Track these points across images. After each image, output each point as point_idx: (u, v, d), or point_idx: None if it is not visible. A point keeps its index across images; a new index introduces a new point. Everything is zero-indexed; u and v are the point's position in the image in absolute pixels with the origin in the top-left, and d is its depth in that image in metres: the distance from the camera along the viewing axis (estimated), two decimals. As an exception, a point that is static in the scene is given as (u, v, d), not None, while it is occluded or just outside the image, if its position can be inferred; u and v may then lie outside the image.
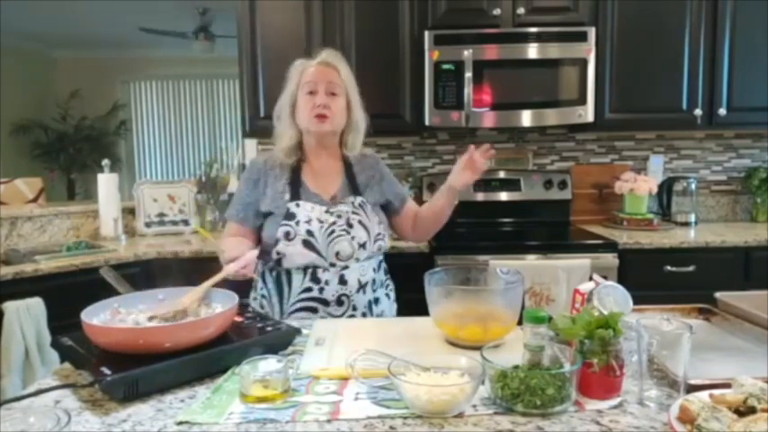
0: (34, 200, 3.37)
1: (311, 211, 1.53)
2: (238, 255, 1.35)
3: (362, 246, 1.54)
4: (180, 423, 0.86)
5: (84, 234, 2.72)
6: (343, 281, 1.52)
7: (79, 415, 0.89)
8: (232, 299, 1.14)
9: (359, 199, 1.59)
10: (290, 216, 1.52)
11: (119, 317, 1.12)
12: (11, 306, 1.97)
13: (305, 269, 1.52)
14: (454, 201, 1.63)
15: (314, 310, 1.52)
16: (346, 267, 1.53)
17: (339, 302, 1.53)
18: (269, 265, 1.58)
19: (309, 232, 1.50)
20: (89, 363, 0.99)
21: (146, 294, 1.21)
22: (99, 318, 1.09)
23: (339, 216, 1.54)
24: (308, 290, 1.52)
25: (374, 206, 1.62)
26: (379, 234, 1.58)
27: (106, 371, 0.92)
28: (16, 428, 0.79)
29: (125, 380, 0.92)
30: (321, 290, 1.52)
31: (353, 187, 1.62)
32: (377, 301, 1.60)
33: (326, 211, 1.54)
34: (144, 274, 2.35)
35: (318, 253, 1.50)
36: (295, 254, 1.50)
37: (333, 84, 1.56)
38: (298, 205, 1.54)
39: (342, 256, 1.52)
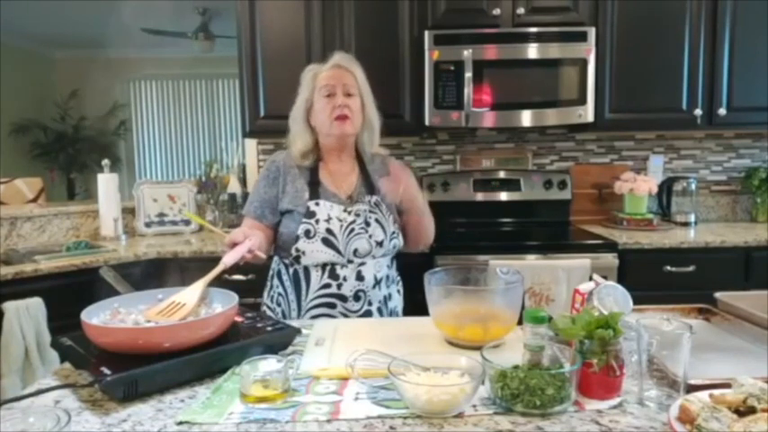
0: (34, 200, 3.38)
1: (330, 210, 1.57)
2: (238, 238, 1.37)
3: (380, 244, 1.58)
4: (180, 423, 0.86)
5: (84, 234, 2.72)
6: (360, 277, 1.57)
7: (79, 415, 0.89)
8: (232, 299, 1.14)
9: (375, 198, 1.63)
10: (310, 214, 1.56)
11: (119, 317, 1.12)
12: (11, 306, 1.97)
13: (323, 266, 1.56)
14: (413, 211, 1.63)
15: (332, 306, 1.56)
16: (363, 264, 1.57)
17: (356, 298, 1.57)
18: (287, 262, 1.61)
19: (329, 231, 1.55)
20: (89, 363, 0.98)
21: (146, 294, 1.21)
22: (99, 318, 1.09)
23: (357, 215, 1.58)
24: (327, 286, 1.56)
25: (389, 205, 1.65)
26: (394, 233, 1.62)
27: (106, 371, 0.92)
28: (16, 428, 0.79)
29: (125, 380, 0.92)
30: (339, 286, 1.56)
31: (369, 186, 1.65)
32: (390, 297, 1.65)
33: (345, 210, 1.58)
34: (144, 274, 2.35)
35: (337, 250, 1.54)
36: (315, 251, 1.54)
37: (349, 85, 1.60)
38: (317, 204, 1.58)
39: (360, 253, 1.56)
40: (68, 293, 2.05)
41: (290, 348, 1.16)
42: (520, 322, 1.12)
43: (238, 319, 1.18)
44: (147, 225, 2.87)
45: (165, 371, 0.96)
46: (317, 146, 1.67)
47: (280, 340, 1.15)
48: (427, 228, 1.71)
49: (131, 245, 2.61)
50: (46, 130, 6.52)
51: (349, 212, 1.58)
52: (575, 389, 0.89)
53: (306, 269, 1.58)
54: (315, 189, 1.61)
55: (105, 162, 2.86)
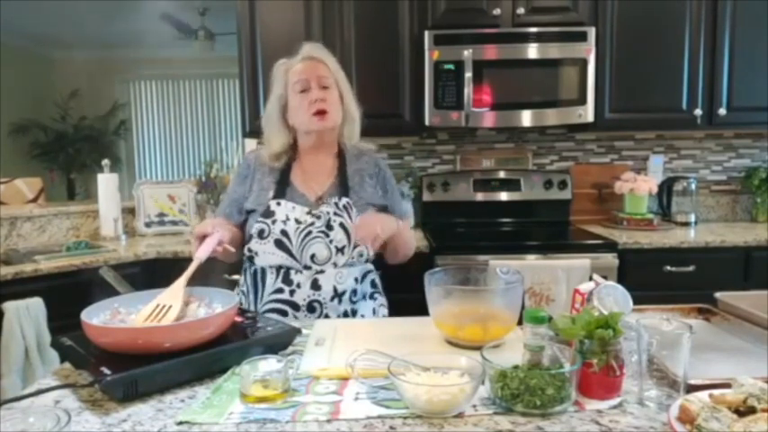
0: (34, 200, 3.37)
1: (291, 211, 1.48)
2: (207, 229, 1.35)
3: (341, 250, 1.47)
4: (180, 423, 0.86)
5: (84, 234, 2.72)
6: (316, 286, 1.47)
7: (79, 415, 0.89)
8: (232, 299, 1.14)
9: (344, 200, 1.52)
10: (268, 214, 1.49)
11: (119, 317, 1.12)
12: (11, 306, 1.97)
13: (278, 269, 1.49)
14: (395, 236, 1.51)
15: (284, 313, 1.47)
16: (321, 272, 1.47)
17: (310, 309, 1.47)
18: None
19: (284, 232, 1.46)
20: (89, 363, 0.98)
21: (146, 294, 1.21)
22: (99, 318, 1.09)
23: (318, 217, 1.48)
24: (280, 291, 1.48)
25: (363, 209, 1.54)
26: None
27: (106, 371, 0.92)
28: (16, 428, 0.79)
29: (125, 380, 0.92)
30: (292, 292, 1.47)
31: (343, 187, 1.55)
32: (354, 312, 1.53)
33: (308, 213, 1.49)
34: (144, 274, 2.35)
35: (290, 254, 1.46)
36: (267, 252, 1.48)
37: (323, 77, 1.51)
38: (279, 204, 1.50)
39: (318, 259, 1.46)
40: (68, 293, 2.05)
41: (290, 348, 1.16)
42: (520, 322, 1.12)
43: (238, 319, 1.18)
44: (147, 225, 2.87)
45: (165, 371, 0.96)
46: (294, 146, 1.59)
47: (280, 340, 1.15)
48: (406, 244, 1.61)
49: (131, 245, 2.61)
50: (46, 130, 6.52)
51: (312, 214, 1.48)
52: (575, 389, 0.89)
53: (263, 270, 1.51)
54: (282, 189, 1.53)
55: (105, 162, 2.86)
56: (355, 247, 1.49)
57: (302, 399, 0.94)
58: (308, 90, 1.50)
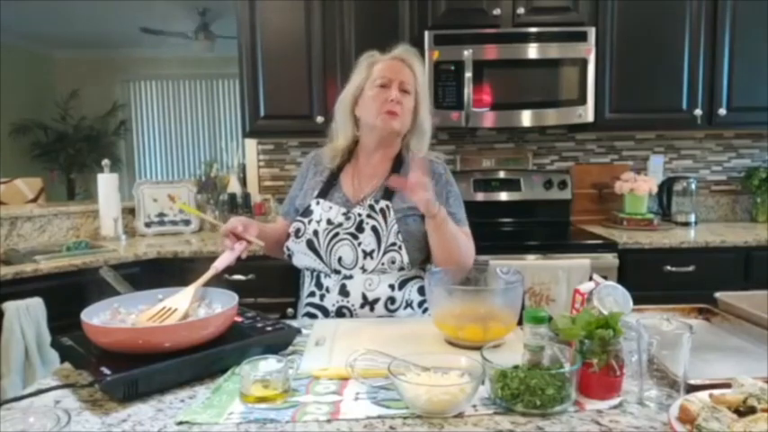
0: (34, 200, 3.38)
1: (328, 212, 1.45)
2: (237, 228, 1.30)
3: (369, 254, 1.41)
4: (180, 423, 0.86)
5: (84, 234, 2.72)
6: (344, 291, 1.43)
7: (79, 415, 0.89)
8: (232, 299, 1.14)
9: (383, 203, 1.43)
10: (306, 213, 1.46)
11: (119, 317, 1.12)
12: (11, 306, 1.97)
13: (312, 271, 1.49)
14: (433, 223, 1.39)
15: (314, 317, 1.45)
16: (349, 277, 1.43)
17: (339, 314, 1.43)
18: None
19: (315, 232, 1.43)
20: (89, 363, 0.98)
21: (146, 294, 1.20)
22: (99, 318, 1.09)
23: (349, 218, 1.43)
24: (312, 294, 1.48)
25: (406, 216, 1.44)
26: (393, 244, 1.41)
27: (106, 371, 0.92)
28: (16, 428, 0.79)
29: (125, 380, 0.91)
30: (322, 297, 1.45)
31: (388, 190, 1.47)
32: None
33: (344, 214, 1.44)
34: (144, 274, 2.35)
35: (319, 256, 1.43)
36: (300, 252, 1.45)
37: (405, 82, 1.47)
38: (318, 203, 1.47)
39: (344, 263, 1.42)
40: (68, 293, 2.05)
41: (290, 348, 1.16)
42: (520, 322, 1.12)
43: (238, 319, 1.18)
44: (147, 225, 2.87)
45: (165, 371, 0.96)
46: (352, 149, 1.56)
47: (280, 340, 1.15)
48: (456, 242, 1.44)
49: (131, 245, 2.61)
50: (46, 130, 6.52)
51: (344, 216, 1.43)
52: (575, 389, 0.89)
53: (302, 271, 1.52)
54: (326, 188, 1.50)
55: (105, 162, 2.86)
56: (385, 253, 1.41)
57: (302, 399, 0.94)
58: (388, 87, 1.46)
